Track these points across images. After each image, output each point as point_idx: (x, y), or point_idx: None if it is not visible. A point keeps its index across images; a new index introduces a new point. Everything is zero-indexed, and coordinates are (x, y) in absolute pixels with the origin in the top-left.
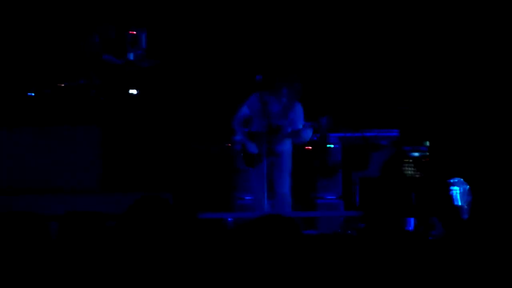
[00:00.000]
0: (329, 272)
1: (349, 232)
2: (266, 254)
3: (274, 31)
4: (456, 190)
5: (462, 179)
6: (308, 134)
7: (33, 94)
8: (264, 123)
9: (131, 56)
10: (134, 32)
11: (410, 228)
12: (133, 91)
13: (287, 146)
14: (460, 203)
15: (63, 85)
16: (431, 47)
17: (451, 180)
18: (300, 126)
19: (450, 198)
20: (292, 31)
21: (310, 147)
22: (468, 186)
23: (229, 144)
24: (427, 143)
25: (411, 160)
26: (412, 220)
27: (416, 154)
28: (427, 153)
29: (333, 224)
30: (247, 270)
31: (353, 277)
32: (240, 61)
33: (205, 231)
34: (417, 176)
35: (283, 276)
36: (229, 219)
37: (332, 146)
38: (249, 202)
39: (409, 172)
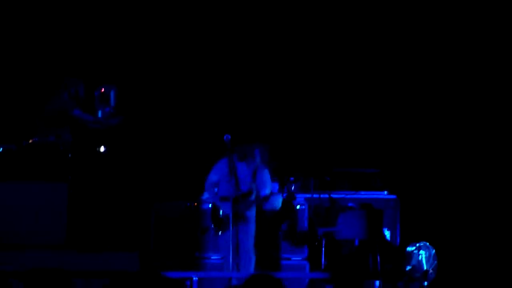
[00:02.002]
0: None
1: None
2: None
3: (245, 91)
4: (422, 254)
5: (427, 243)
6: (278, 201)
7: (0, 149)
8: (232, 189)
9: (99, 114)
10: (103, 90)
11: None
12: (101, 149)
13: (253, 211)
14: (426, 267)
15: (31, 141)
16: (402, 109)
17: (417, 244)
18: (267, 191)
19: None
20: (263, 93)
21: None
22: (434, 250)
23: (196, 203)
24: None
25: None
26: (377, 283)
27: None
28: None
29: (298, 286)
30: None
31: None
32: (208, 119)
33: None
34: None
35: None
36: (195, 278)
37: (299, 207)
38: (215, 262)
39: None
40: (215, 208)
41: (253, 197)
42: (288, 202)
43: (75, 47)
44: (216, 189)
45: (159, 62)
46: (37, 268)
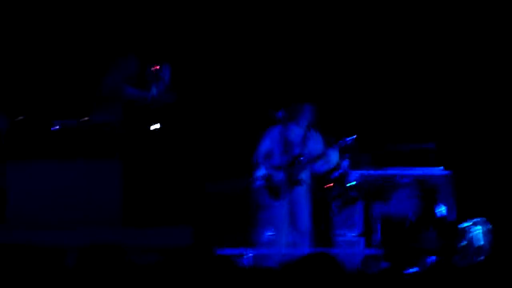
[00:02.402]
0: None
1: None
2: None
3: (297, 63)
4: (478, 230)
5: (484, 219)
6: (335, 155)
7: (57, 127)
8: (285, 155)
9: (154, 91)
10: (158, 67)
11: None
12: (156, 126)
13: (308, 176)
14: (481, 243)
15: (86, 118)
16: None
17: (473, 220)
18: (320, 150)
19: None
20: (314, 67)
21: (331, 184)
22: (490, 226)
23: (250, 179)
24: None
25: None
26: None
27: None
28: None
29: (353, 262)
30: None
31: None
32: (260, 96)
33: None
34: None
35: None
36: (250, 254)
37: (353, 183)
38: (270, 238)
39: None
40: (270, 178)
41: (305, 159)
42: (341, 177)
43: (130, 25)
44: (269, 162)
45: (209, 39)
46: (91, 244)
